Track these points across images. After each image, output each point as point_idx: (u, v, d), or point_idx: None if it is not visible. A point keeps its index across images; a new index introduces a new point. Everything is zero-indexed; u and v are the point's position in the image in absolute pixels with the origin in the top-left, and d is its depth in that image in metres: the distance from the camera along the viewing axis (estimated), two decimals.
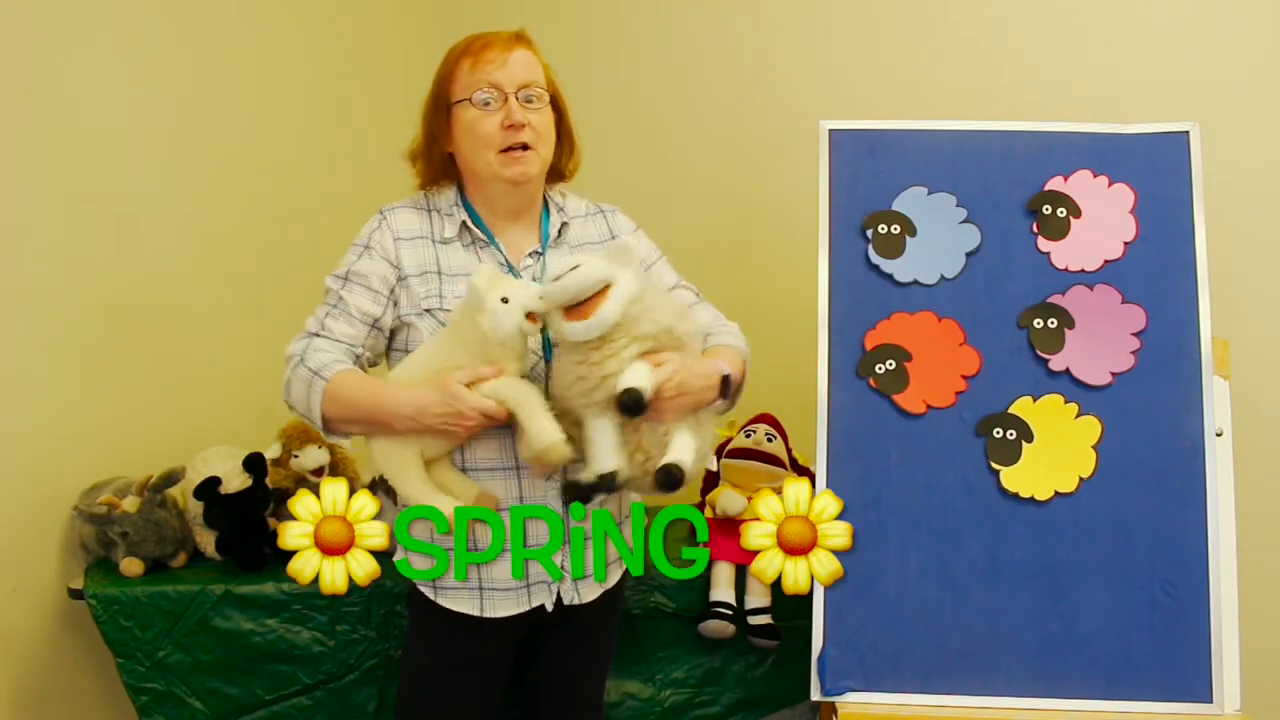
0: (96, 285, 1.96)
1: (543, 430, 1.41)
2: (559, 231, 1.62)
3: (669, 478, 1.40)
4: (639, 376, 1.39)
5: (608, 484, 1.41)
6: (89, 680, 1.98)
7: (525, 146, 1.51)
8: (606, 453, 1.42)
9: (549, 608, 1.55)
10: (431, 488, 1.49)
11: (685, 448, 1.44)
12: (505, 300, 1.42)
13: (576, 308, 1.39)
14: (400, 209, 1.59)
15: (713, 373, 1.50)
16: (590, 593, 1.59)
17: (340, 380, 1.48)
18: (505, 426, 1.49)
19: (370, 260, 1.54)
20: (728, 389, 1.52)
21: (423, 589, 1.57)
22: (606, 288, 1.39)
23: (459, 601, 1.54)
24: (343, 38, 2.57)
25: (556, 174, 1.64)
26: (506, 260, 1.56)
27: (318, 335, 1.53)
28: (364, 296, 1.53)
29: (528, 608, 1.55)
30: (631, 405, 1.36)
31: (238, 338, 2.26)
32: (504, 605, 1.54)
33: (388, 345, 1.58)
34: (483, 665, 1.59)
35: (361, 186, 2.39)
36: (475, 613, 1.54)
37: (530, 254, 1.59)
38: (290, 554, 1.50)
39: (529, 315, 1.43)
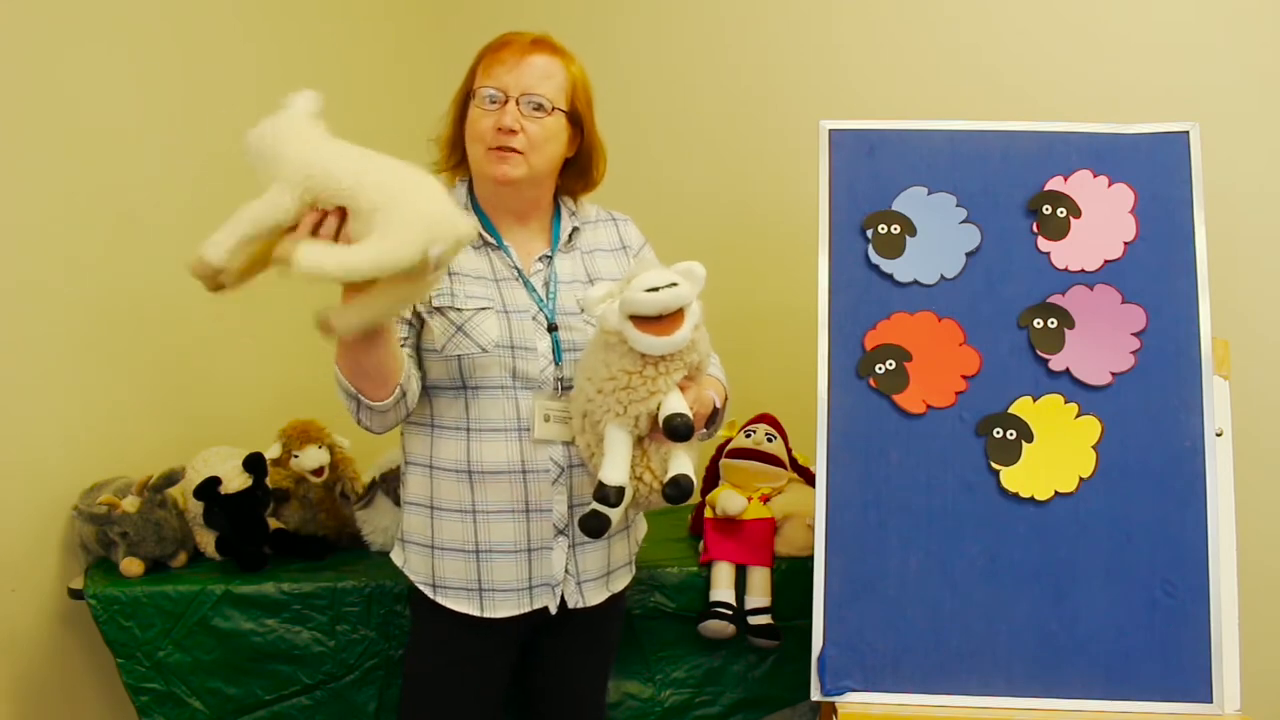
0: (97, 285, 1.96)
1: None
2: (569, 236, 1.62)
3: (678, 489, 1.42)
4: (681, 402, 1.41)
5: (612, 498, 1.40)
6: (89, 680, 1.98)
7: (514, 150, 1.50)
8: (620, 467, 1.42)
9: (553, 610, 1.56)
10: None
11: (686, 463, 1.46)
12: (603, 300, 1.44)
13: (656, 321, 1.39)
14: None
15: (709, 402, 1.51)
16: (595, 596, 1.59)
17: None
18: (515, 430, 1.50)
19: None
20: (712, 421, 1.54)
21: (422, 588, 1.57)
22: (683, 308, 1.41)
23: (459, 601, 1.55)
24: (344, 36, 2.57)
25: (577, 186, 1.64)
26: (516, 264, 1.56)
27: None
28: None
29: (529, 609, 1.55)
30: (683, 430, 1.38)
31: (238, 337, 2.26)
32: (504, 606, 1.54)
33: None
34: (483, 665, 1.59)
35: None
36: (475, 613, 1.54)
37: (540, 258, 1.58)
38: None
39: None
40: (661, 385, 1.41)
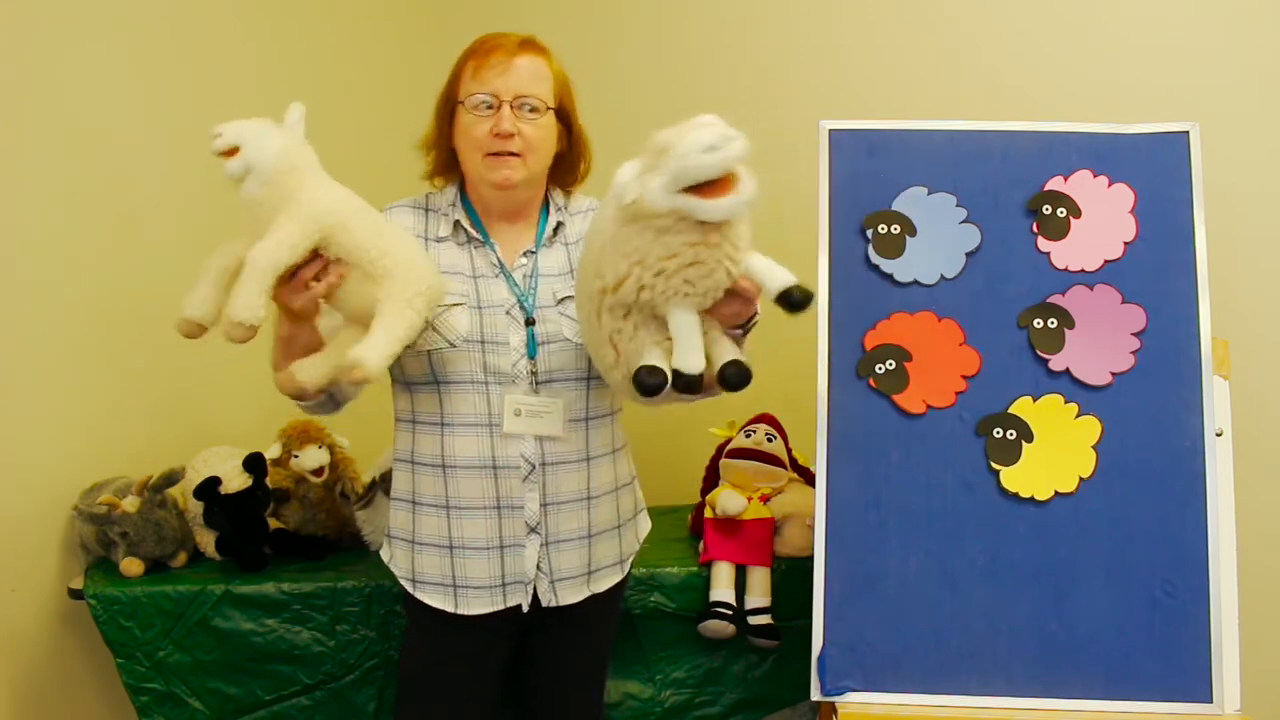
0: (97, 285, 1.96)
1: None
2: (555, 230, 1.62)
3: (739, 374, 1.28)
4: (777, 268, 1.27)
5: (694, 385, 1.26)
6: (89, 680, 1.98)
7: (513, 154, 1.51)
8: (698, 351, 1.27)
9: (524, 608, 1.56)
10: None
11: (735, 350, 1.32)
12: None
13: (713, 184, 1.19)
14: (399, 208, 1.61)
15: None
16: (570, 595, 1.58)
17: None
18: (486, 425, 1.51)
19: None
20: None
21: (404, 583, 1.59)
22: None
23: (435, 597, 1.56)
24: (344, 35, 2.57)
25: (564, 181, 1.65)
26: (500, 259, 1.57)
27: None
28: None
29: (502, 606, 1.55)
30: (804, 300, 1.25)
31: None
32: (478, 603, 1.54)
33: None
34: (472, 663, 1.60)
35: (362, 184, 2.39)
36: (450, 609, 1.55)
37: (524, 253, 1.59)
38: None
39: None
40: (729, 251, 1.25)
